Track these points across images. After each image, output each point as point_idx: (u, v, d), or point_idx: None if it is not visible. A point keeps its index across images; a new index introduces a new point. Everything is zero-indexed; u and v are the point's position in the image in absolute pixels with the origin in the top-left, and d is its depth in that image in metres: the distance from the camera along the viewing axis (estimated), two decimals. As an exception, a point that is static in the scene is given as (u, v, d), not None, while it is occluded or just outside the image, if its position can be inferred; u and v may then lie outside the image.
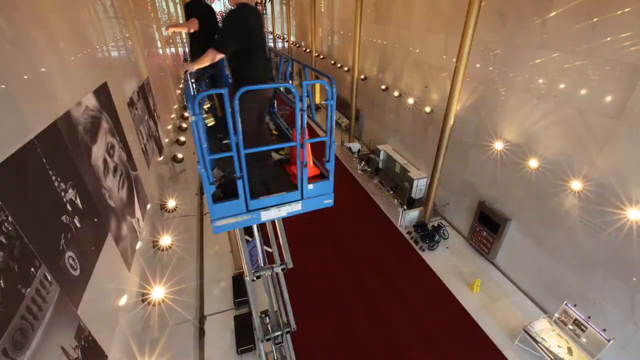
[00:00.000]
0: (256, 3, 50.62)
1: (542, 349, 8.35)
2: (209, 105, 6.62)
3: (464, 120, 11.96)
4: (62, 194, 4.28)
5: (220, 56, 4.10)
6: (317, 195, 4.52)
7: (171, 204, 9.49)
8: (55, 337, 3.58)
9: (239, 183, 3.70)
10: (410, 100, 15.08)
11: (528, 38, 9.16)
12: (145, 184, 8.34)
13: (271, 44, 50.00)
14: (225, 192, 3.91)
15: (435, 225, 12.77)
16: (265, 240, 6.79)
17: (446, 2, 11.97)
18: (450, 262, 11.87)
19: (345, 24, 21.81)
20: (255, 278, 5.19)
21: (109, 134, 6.39)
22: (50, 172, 4.08)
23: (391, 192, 14.62)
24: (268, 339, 5.77)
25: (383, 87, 17.46)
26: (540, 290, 10.17)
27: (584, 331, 8.21)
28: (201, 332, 9.21)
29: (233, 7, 4.19)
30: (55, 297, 3.70)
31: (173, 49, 20.64)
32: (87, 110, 5.54)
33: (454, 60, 10.35)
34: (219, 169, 4.37)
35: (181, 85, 20.05)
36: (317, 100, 28.84)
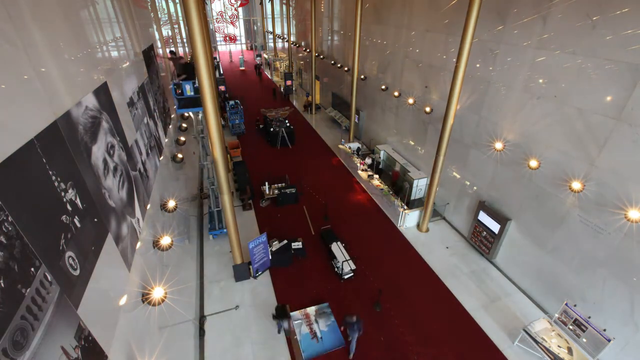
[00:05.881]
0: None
1: (542, 349, 8.36)
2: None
3: (464, 120, 11.97)
4: (62, 194, 4.28)
5: None
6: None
7: (171, 204, 9.50)
8: (55, 337, 3.57)
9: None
10: (410, 100, 15.09)
11: (528, 37, 9.16)
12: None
13: (271, 44, 50.04)
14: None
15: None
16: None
17: (446, 2, 11.97)
18: (450, 262, 11.88)
19: (345, 24, 21.81)
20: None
21: (109, 134, 6.39)
22: (50, 172, 4.08)
23: (391, 191, 14.62)
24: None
25: (383, 87, 17.47)
26: (540, 290, 10.17)
27: (584, 331, 8.22)
28: (201, 332, 9.21)
29: None
30: (55, 297, 3.70)
31: (173, 49, 20.63)
32: (87, 110, 5.54)
33: (454, 60, 10.35)
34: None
35: None
36: (318, 100, 28.83)
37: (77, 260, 4.32)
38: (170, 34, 20.53)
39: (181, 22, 26.54)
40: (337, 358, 8.71)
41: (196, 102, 9.86)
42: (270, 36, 50.10)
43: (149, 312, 6.69)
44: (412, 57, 14.80)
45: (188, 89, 9.79)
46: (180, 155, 11.68)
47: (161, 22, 16.42)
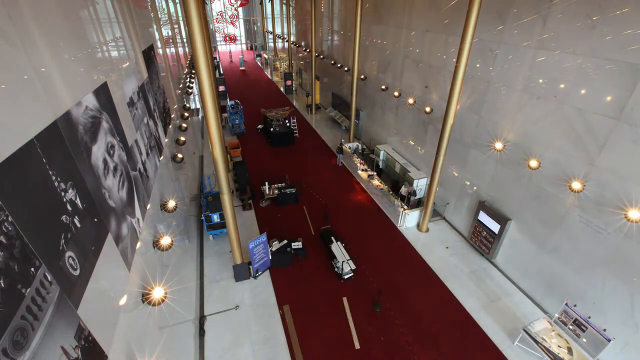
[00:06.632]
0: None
1: (542, 349, 8.36)
2: None
3: (464, 120, 11.97)
4: (62, 194, 4.27)
5: None
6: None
7: (171, 204, 9.49)
8: (55, 337, 3.57)
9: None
10: (410, 100, 15.09)
11: (528, 37, 9.16)
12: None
13: (271, 44, 50.07)
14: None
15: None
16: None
17: (446, 2, 11.97)
18: (450, 262, 11.88)
19: (345, 24, 21.81)
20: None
21: (109, 134, 6.39)
22: (50, 172, 4.08)
23: (391, 191, 14.63)
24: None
25: (383, 87, 17.47)
26: (540, 290, 10.17)
27: (584, 331, 8.22)
28: (201, 332, 9.21)
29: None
30: (55, 297, 3.69)
31: (173, 49, 20.62)
32: (87, 110, 5.53)
33: (454, 60, 10.35)
34: None
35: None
36: (317, 100, 28.83)
37: (77, 260, 4.32)
38: (170, 34, 20.51)
39: (181, 22, 26.54)
40: (341, 350, 8.72)
41: (222, 225, 12.47)
42: (270, 36, 50.11)
43: (149, 312, 6.68)
44: (412, 57, 14.80)
45: (215, 218, 12.63)
46: (180, 155, 11.66)
47: (161, 22, 16.41)
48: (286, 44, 39.50)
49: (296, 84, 35.48)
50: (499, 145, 10.51)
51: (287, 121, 22.50)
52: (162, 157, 10.72)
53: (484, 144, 11.25)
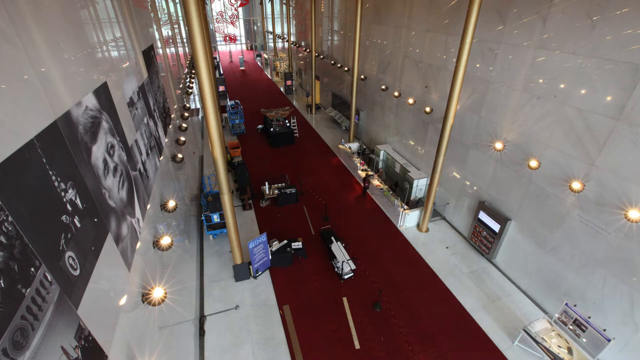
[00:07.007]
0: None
1: (542, 349, 8.36)
2: None
3: (464, 120, 11.97)
4: (62, 194, 4.27)
5: None
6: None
7: (171, 204, 9.49)
8: (55, 337, 3.57)
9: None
10: (410, 100, 15.08)
11: (528, 37, 9.16)
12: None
13: (271, 44, 50.09)
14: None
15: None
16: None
17: (446, 2, 11.97)
18: (450, 262, 11.88)
19: (345, 24, 21.81)
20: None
21: (109, 134, 6.39)
22: (50, 172, 4.08)
23: (391, 192, 14.63)
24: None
25: (383, 87, 17.47)
26: (540, 290, 10.17)
27: (584, 331, 8.22)
28: (201, 332, 9.21)
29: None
30: (55, 297, 3.69)
31: (173, 49, 20.62)
32: (87, 110, 5.53)
33: (454, 60, 10.35)
34: None
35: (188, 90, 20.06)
36: (317, 100, 28.83)
37: (77, 260, 4.32)
38: (170, 34, 20.51)
39: (181, 22, 26.54)
40: (341, 350, 8.72)
41: (222, 225, 12.54)
42: (270, 36, 50.12)
43: (149, 312, 6.68)
44: (412, 57, 14.80)
45: (215, 218, 12.66)
46: (180, 155, 11.66)
47: (161, 22, 16.40)
48: (286, 44, 39.50)
49: (296, 84, 35.48)
50: (499, 145, 10.51)
51: (287, 121, 22.51)
52: (162, 157, 10.71)
53: (484, 144, 11.25)
